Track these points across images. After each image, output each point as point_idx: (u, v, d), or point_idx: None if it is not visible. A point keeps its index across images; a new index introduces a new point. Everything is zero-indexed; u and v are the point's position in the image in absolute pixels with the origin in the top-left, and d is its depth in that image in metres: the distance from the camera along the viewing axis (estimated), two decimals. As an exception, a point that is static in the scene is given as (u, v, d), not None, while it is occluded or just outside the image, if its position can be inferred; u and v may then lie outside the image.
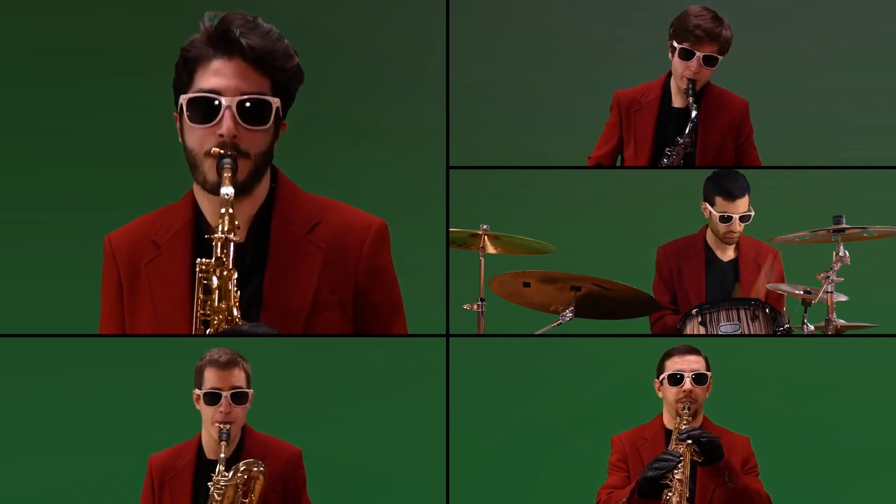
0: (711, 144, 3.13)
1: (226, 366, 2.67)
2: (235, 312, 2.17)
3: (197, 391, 2.68)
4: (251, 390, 2.70)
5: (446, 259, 3.10)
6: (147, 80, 3.27)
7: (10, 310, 3.22)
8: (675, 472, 2.67)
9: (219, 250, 2.16)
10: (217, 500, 2.57)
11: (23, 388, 3.11)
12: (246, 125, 2.19)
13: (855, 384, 3.14)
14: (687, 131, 3.09)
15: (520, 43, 3.45)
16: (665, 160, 3.12)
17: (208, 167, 2.19)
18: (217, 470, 2.59)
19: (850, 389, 3.14)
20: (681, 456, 2.69)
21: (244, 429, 2.70)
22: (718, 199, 3.28)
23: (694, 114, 3.08)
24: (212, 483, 2.59)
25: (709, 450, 2.71)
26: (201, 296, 2.18)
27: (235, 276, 2.17)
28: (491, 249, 3.24)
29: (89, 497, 3.05)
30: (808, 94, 3.39)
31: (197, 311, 2.19)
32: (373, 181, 3.34)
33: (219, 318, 2.17)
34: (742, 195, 3.26)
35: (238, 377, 2.68)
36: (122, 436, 3.06)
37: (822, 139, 3.36)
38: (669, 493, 2.67)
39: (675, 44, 3.09)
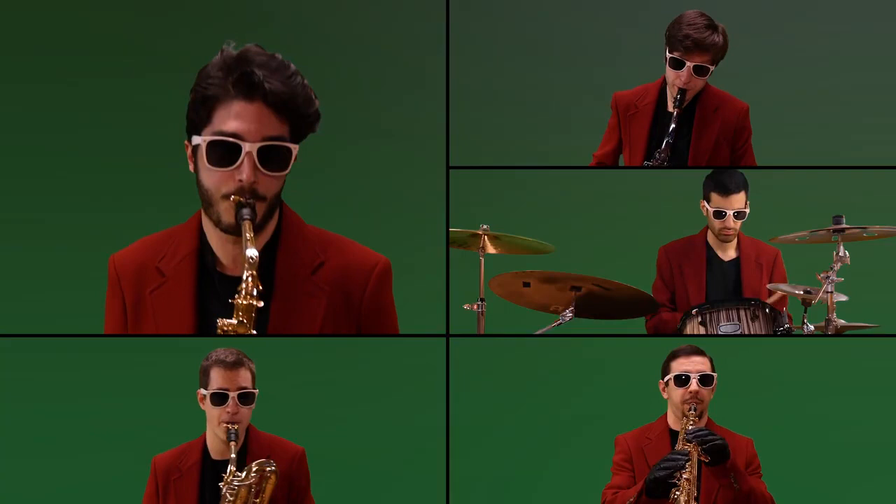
0: (705, 149, 3.13)
1: (232, 366, 2.67)
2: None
3: (203, 391, 2.68)
4: (257, 390, 2.70)
5: (446, 259, 3.10)
6: (145, 81, 3.29)
7: (9, 310, 3.21)
8: (683, 471, 2.68)
9: (241, 314, 2.15)
10: (230, 500, 2.57)
11: (23, 389, 3.11)
12: (265, 171, 2.18)
13: (855, 384, 3.15)
14: (665, 143, 3.09)
15: (520, 43, 3.45)
16: (647, 161, 3.12)
17: (224, 209, 2.18)
18: (228, 470, 2.59)
19: (850, 389, 3.14)
20: (689, 455, 2.69)
21: (248, 428, 2.70)
22: (714, 195, 3.28)
23: (672, 126, 3.08)
24: (224, 483, 2.58)
25: (715, 450, 2.71)
26: None
27: (255, 332, 2.17)
28: (491, 249, 3.24)
29: (91, 497, 3.05)
30: (808, 94, 3.38)
31: None
32: (373, 181, 3.34)
33: None
34: (737, 191, 3.25)
35: (244, 377, 2.68)
36: (124, 436, 3.07)
37: (822, 139, 3.36)
38: (677, 493, 2.68)
39: (667, 52, 3.09)
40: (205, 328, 2.25)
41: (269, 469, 2.59)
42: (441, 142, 3.21)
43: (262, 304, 2.16)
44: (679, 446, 2.74)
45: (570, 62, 3.44)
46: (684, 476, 2.68)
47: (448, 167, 3.19)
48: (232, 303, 2.15)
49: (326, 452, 2.99)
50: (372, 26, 3.39)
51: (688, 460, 2.69)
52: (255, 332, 2.16)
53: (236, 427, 2.63)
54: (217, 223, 2.21)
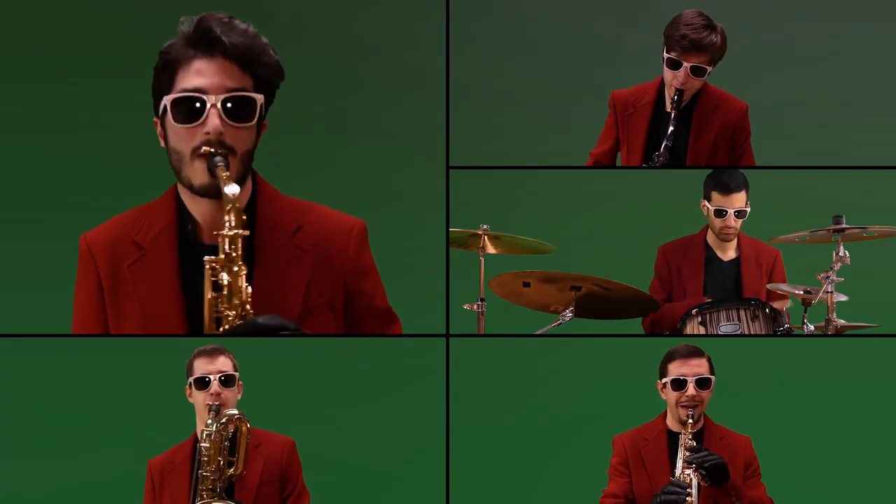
0: (703, 149, 3.13)
1: (212, 353, 2.72)
2: (248, 308, 2.17)
3: (188, 381, 2.72)
4: (237, 374, 2.73)
5: (446, 259, 3.09)
6: (145, 81, 3.28)
7: (9, 310, 3.21)
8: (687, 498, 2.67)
9: (227, 246, 2.16)
10: (205, 454, 2.59)
11: (23, 389, 3.11)
12: (232, 122, 2.19)
13: (855, 384, 3.14)
14: (661, 149, 3.09)
15: (520, 43, 3.45)
16: (646, 164, 3.12)
17: (196, 168, 2.19)
18: (205, 425, 2.63)
19: (850, 389, 3.14)
20: (688, 486, 2.68)
21: None
22: (714, 194, 3.28)
23: (671, 129, 3.07)
24: (200, 441, 2.62)
25: (715, 470, 2.71)
26: (213, 294, 2.18)
27: (245, 271, 2.17)
28: (491, 249, 3.24)
29: (91, 497, 3.05)
30: (808, 94, 3.38)
31: (210, 310, 2.18)
32: (373, 181, 3.34)
33: (232, 314, 2.17)
34: (738, 190, 3.25)
35: (224, 363, 2.72)
36: (124, 436, 3.06)
37: (822, 139, 3.36)
38: (679, 514, 2.67)
39: (664, 52, 3.08)
40: (191, 300, 2.24)
41: (236, 414, 2.61)
42: (441, 142, 3.21)
43: (248, 232, 2.17)
44: (679, 469, 2.72)
45: (570, 62, 3.44)
46: (687, 500, 2.67)
47: (448, 167, 3.19)
48: (215, 235, 2.16)
49: (326, 452, 2.99)
50: (372, 26, 3.39)
51: (688, 493, 2.67)
52: (244, 268, 2.15)
53: (218, 403, 2.67)
54: (190, 187, 2.21)
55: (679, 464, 2.73)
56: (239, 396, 2.74)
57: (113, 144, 3.30)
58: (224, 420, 2.62)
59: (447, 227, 3.12)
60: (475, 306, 3.17)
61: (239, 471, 2.63)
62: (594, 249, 3.39)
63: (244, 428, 2.63)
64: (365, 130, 3.37)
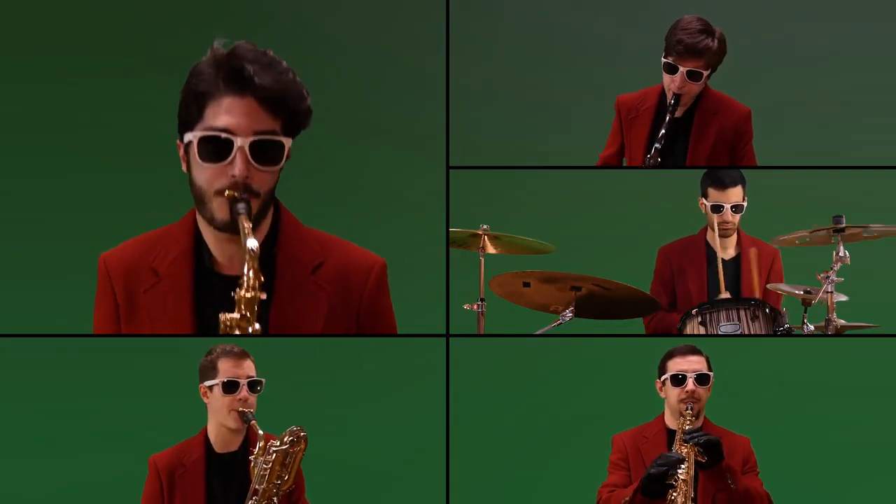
0: (702, 153, 3.13)
1: (240, 356, 2.70)
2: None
3: (209, 383, 2.69)
4: (263, 379, 2.72)
5: (446, 259, 3.10)
6: (145, 81, 3.28)
7: (9, 310, 3.21)
8: (680, 472, 2.68)
9: (242, 307, 2.13)
10: (264, 471, 2.57)
11: (23, 389, 3.11)
12: (258, 165, 2.17)
13: (855, 384, 3.15)
14: (652, 151, 3.09)
15: (520, 43, 3.45)
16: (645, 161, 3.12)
17: (217, 205, 2.17)
18: (258, 446, 2.59)
19: (850, 389, 3.14)
20: (684, 455, 2.70)
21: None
22: (710, 190, 3.29)
23: (663, 132, 3.08)
24: (257, 454, 2.59)
25: (711, 451, 2.71)
26: None
27: (258, 327, 2.15)
28: (491, 249, 3.24)
29: (91, 497, 3.05)
30: (808, 94, 3.38)
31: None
32: (373, 181, 3.34)
33: None
34: (733, 185, 3.26)
35: (250, 367, 2.71)
36: (124, 436, 3.06)
37: (822, 139, 3.36)
38: (674, 493, 2.68)
39: (663, 56, 3.09)
40: (202, 328, 2.24)
41: (302, 434, 2.60)
42: (441, 142, 3.21)
43: (265, 296, 2.14)
44: (676, 447, 2.74)
45: (570, 62, 3.44)
46: (681, 477, 2.68)
47: (448, 167, 3.19)
48: (233, 296, 2.13)
49: (327, 452, 2.99)
50: (372, 26, 3.39)
51: (683, 459, 2.69)
52: (258, 325, 2.15)
53: (251, 409, 2.67)
54: (211, 221, 2.20)
55: (676, 443, 2.74)
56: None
57: (113, 144, 3.30)
58: (294, 440, 2.59)
59: (447, 227, 3.12)
60: (475, 306, 3.17)
61: (289, 485, 2.61)
62: (594, 249, 3.39)
63: (302, 447, 2.60)
64: (365, 130, 3.37)
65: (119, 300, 2.29)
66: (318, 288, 2.26)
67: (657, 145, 3.09)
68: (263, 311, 2.19)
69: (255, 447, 2.61)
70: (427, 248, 3.14)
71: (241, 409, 2.67)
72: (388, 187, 3.33)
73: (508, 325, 3.20)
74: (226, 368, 2.69)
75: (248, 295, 2.13)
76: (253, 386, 2.69)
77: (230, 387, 2.68)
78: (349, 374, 3.13)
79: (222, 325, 2.14)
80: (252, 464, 2.59)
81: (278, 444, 2.59)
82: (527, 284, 3.12)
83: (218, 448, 2.71)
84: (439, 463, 3.04)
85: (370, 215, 3.30)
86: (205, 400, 2.71)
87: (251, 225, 2.14)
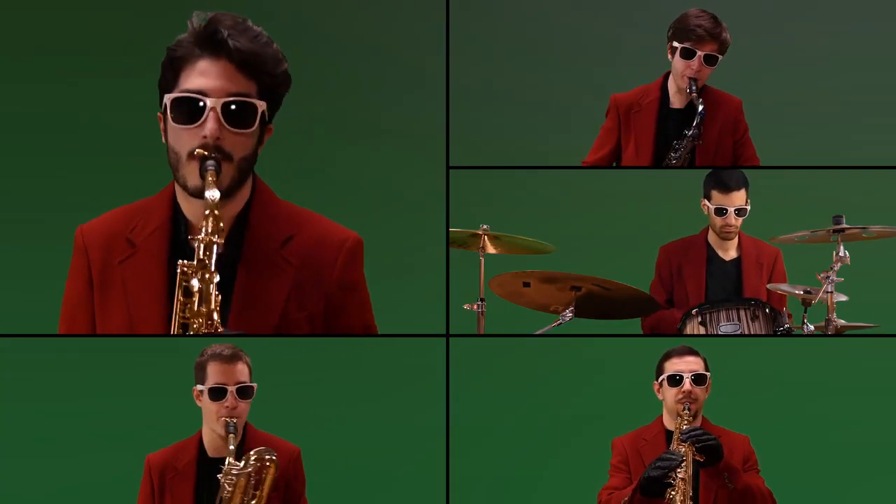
0: (710, 142, 3.14)
1: (230, 359, 2.65)
2: (216, 317, 2.13)
3: (199, 387, 2.66)
4: (255, 384, 2.68)
5: (446, 259, 3.10)
6: (145, 81, 3.28)
7: (9, 310, 3.21)
8: (678, 471, 2.68)
9: (201, 252, 2.13)
10: (228, 491, 2.54)
11: (23, 389, 3.11)
12: (230, 128, 2.17)
13: (855, 384, 3.15)
14: (695, 123, 3.09)
15: (520, 43, 3.45)
16: (673, 153, 3.12)
17: (191, 169, 2.17)
18: (227, 461, 2.56)
19: (850, 389, 3.14)
20: (683, 455, 2.70)
21: (246, 426, 2.68)
22: (715, 193, 3.29)
23: (701, 108, 3.08)
24: (221, 475, 2.55)
25: (709, 450, 2.71)
26: (181, 298, 2.15)
27: (217, 279, 2.13)
28: (491, 249, 3.24)
29: (91, 497, 3.05)
30: (808, 94, 3.39)
31: (177, 313, 2.15)
32: (373, 181, 3.34)
33: (199, 321, 2.13)
34: (738, 188, 3.26)
35: (242, 371, 2.66)
36: (123, 436, 3.06)
37: (822, 139, 3.36)
38: (673, 493, 2.68)
39: (675, 44, 3.10)
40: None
41: (268, 457, 2.56)
42: (441, 142, 3.21)
43: (221, 241, 2.13)
44: (674, 446, 2.74)
45: (570, 62, 3.45)
46: (679, 476, 2.68)
47: (448, 167, 3.19)
48: (192, 244, 2.13)
49: (326, 452, 2.99)
50: (372, 26, 3.39)
51: (682, 460, 2.69)
52: (215, 275, 2.13)
53: (235, 420, 2.60)
54: (184, 187, 2.19)
55: (674, 442, 2.74)
56: (251, 401, 2.68)
57: (113, 144, 3.30)
58: (256, 463, 2.54)
59: (447, 227, 3.12)
60: (475, 306, 3.17)
61: None
62: (594, 249, 3.39)
63: (272, 470, 2.55)
64: (365, 130, 3.37)
65: (93, 270, 2.28)
66: (285, 262, 2.24)
67: (687, 132, 3.09)
68: (228, 282, 2.18)
69: (249, 453, 2.58)
70: (427, 248, 3.14)
71: (226, 418, 2.61)
72: (388, 187, 3.33)
73: (508, 325, 3.20)
74: (214, 373, 2.64)
75: (206, 239, 2.12)
76: (242, 392, 2.64)
77: (216, 394, 2.63)
78: (349, 374, 3.13)
79: (179, 270, 2.13)
80: (220, 479, 2.55)
81: (241, 465, 2.54)
82: (527, 284, 3.11)
83: (211, 452, 2.68)
84: (439, 463, 3.04)
85: (370, 215, 3.30)
86: (197, 403, 2.68)
87: (214, 179, 2.12)
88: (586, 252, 3.36)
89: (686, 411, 2.79)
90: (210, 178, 2.13)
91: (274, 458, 2.57)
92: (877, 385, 3.14)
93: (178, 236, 2.25)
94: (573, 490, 3.08)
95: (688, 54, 3.09)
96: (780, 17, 3.40)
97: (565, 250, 3.27)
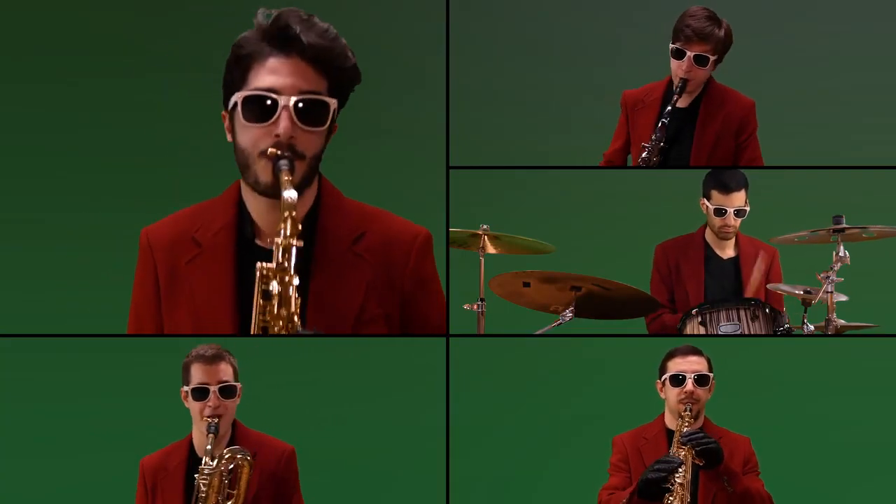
0: (707, 142, 3.14)
1: (212, 360, 2.64)
2: (296, 320, 2.11)
3: (185, 388, 2.65)
4: (239, 384, 2.66)
5: (446, 259, 3.09)
6: (145, 81, 3.29)
7: (9, 310, 3.21)
8: (677, 475, 2.67)
9: (280, 255, 2.10)
10: (203, 491, 2.54)
11: (23, 389, 3.11)
12: (303, 126, 2.15)
13: (855, 384, 3.15)
14: (658, 125, 3.09)
15: (520, 43, 3.45)
16: (643, 154, 3.12)
17: (261, 168, 2.15)
18: (202, 461, 2.56)
19: (850, 389, 3.14)
20: (682, 459, 2.69)
21: (235, 425, 2.67)
22: (714, 193, 3.29)
23: (668, 108, 3.09)
24: (197, 474, 2.55)
25: (708, 453, 2.71)
26: (261, 301, 2.12)
27: (296, 281, 2.11)
28: (491, 249, 3.24)
29: (91, 497, 3.05)
30: (808, 94, 3.39)
31: (256, 315, 2.13)
32: (373, 181, 3.34)
33: (279, 324, 2.12)
34: (738, 189, 3.27)
35: (225, 371, 2.65)
36: (123, 436, 3.07)
37: (822, 139, 3.36)
38: (671, 497, 2.67)
39: (671, 43, 3.10)
40: (243, 301, 2.20)
41: (241, 457, 2.55)
42: (441, 142, 3.21)
43: (301, 243, 2.10)
44: (674, 450, 2.73)
45: (570, 62, 3.45)
46: (678, 481, 2.67)
47: (448, 167, 3.19)
48: (271, 246, 2.10)
49: (326, 452, 2.99)
50: (372, 26, 3.39)
51: (680, 464, 2.68)
52: (295, 278, 2.10)
53: (216, 420, 2.60)
54: (255, 186, 2.17)
55: (674, 445, 2.74)
56: (238, 401, 2.67)
57: (113, 144, 3.29)
58: (227, 462, 2.54)
59: (447, 227, 3.12)
60: (475, 306, 3.17)
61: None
62: (594, 249, 3.39)
63: (246, 469, 2.54)
64: (365, 130, 3.37)
65: (160, 272, 2.26)
66: (359, 259, 2.23)
67: (664, 119, 3.09)
68: (304, 283, 2.16)
69: (223, 452, 2.57)
70: (427, 248, 3.14)
71: (206, 418, 2.60)
72: (388, 187, 3.33)
73: (508, 325, 3.20)
74: (197, 374, 2.64)
75: (285, 242, 2.09)
76: (225, 392, 2.63)
77: (199, 394, 2.62)
78: (349, 374, 3.13)
79: (258, 273, 2.10)
80: (196, 479, 2.55)
81: (213, 465, 2.53)
82: (527, 284, 3.11)
83: (200, 452, 2.65)
84: (439, 463, 3.04)
85: (370, 215, 3.30)
86: (185, 404, 2.67)
87: (291, 178, 2.10)
88: (586, 252, 3.36)
89: (687, 412, 2.79)
90: (286, 178, 2.10)
91: (248, 457, 2.56)
92: (877, 385, 3.14)
93: (244, 235, 2.24)
94: (573, 490, 3.08)
95: (678, 54, 3.09)
96: (780, 17, 3.40)
97: (565, 250, 3.27)
